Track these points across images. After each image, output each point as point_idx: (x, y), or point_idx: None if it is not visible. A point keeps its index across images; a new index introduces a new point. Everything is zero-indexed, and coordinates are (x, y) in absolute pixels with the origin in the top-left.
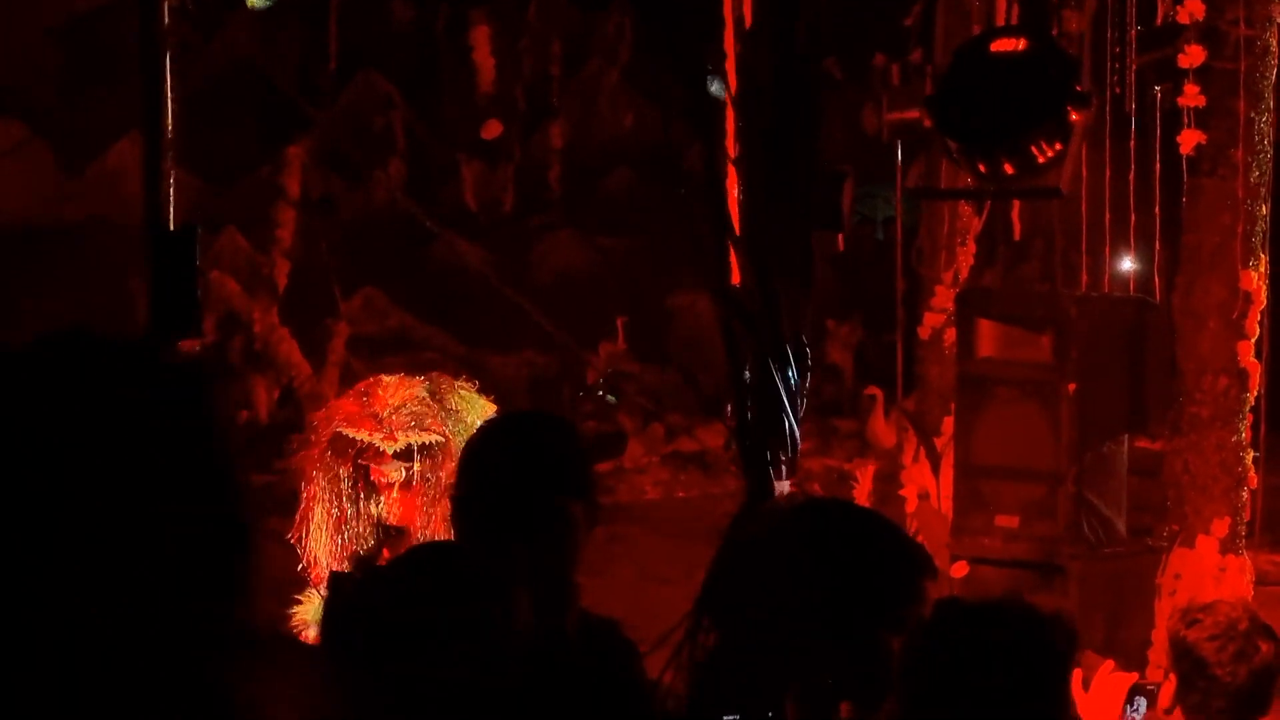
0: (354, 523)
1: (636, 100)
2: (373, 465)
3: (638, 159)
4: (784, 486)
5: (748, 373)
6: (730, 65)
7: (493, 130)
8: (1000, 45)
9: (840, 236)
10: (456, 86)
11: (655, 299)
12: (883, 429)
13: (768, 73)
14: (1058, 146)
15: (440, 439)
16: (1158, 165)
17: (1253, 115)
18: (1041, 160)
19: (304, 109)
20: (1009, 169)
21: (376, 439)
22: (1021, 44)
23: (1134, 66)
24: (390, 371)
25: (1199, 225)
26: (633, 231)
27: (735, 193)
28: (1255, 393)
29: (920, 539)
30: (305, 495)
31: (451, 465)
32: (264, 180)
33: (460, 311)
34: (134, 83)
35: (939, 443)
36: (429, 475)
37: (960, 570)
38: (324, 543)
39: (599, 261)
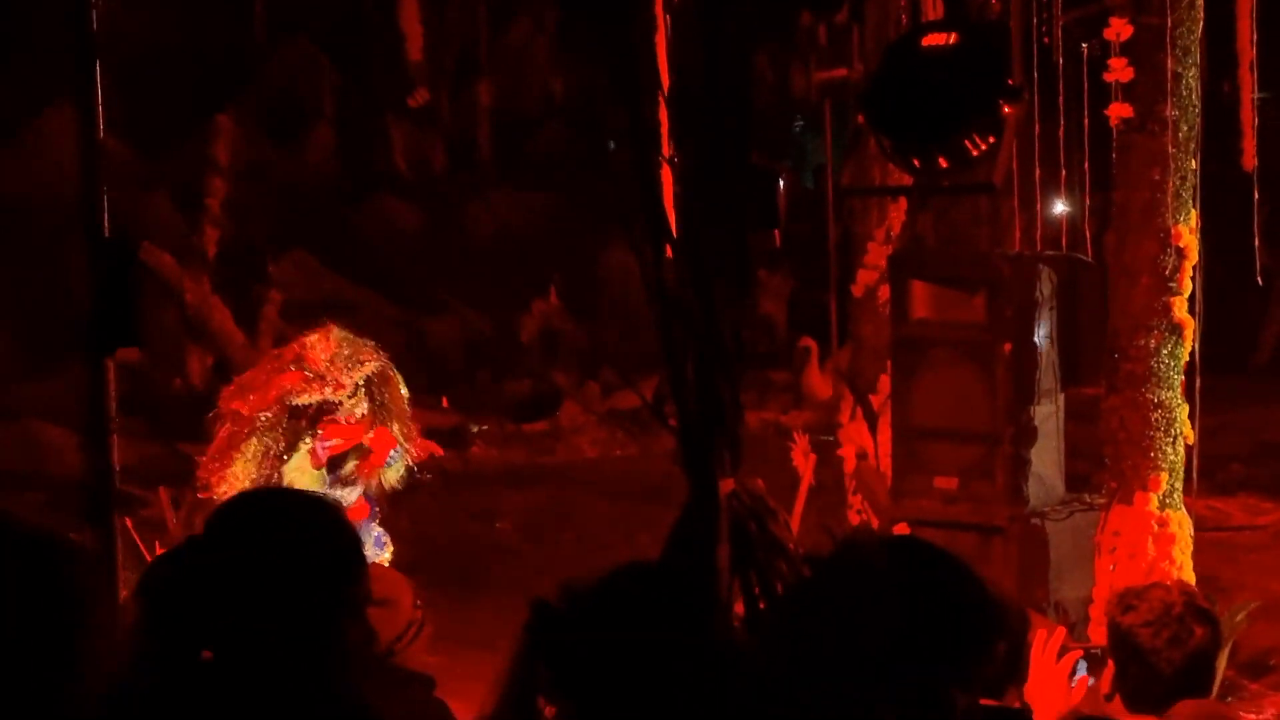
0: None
1: (565, 59)
2: (328, 420)
3: (568, 115)
4: (728, 484)
5: (688, 373)
6: (663, 63)
7: (420, 98)
8: (931, 40)
9: (776, 233)
10: (384, 49)
11: (588, 255)
12: (818, 381)
13: (698, 72)
14: (990, 140)
15: (378, 363)
16: (1086, 121)
17: (1180, 70)
18: (975, 154)
19: (232, 76)
20: (942, 163)
21: (328, 394)
22: (952, 38)
23: (1060, 21)
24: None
25: (1129, 181)
26: (564, 188)
27: (670, 192)
28: (1189, 348)
29: (860, 498)
30: (230, 467)
31: (396, 381)
32: (195, 148)
33: (393, 273)
34: (60, 50)
35: (875, 400)
36: (382, 399)
37: (901, 532)
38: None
39: (530, 219)
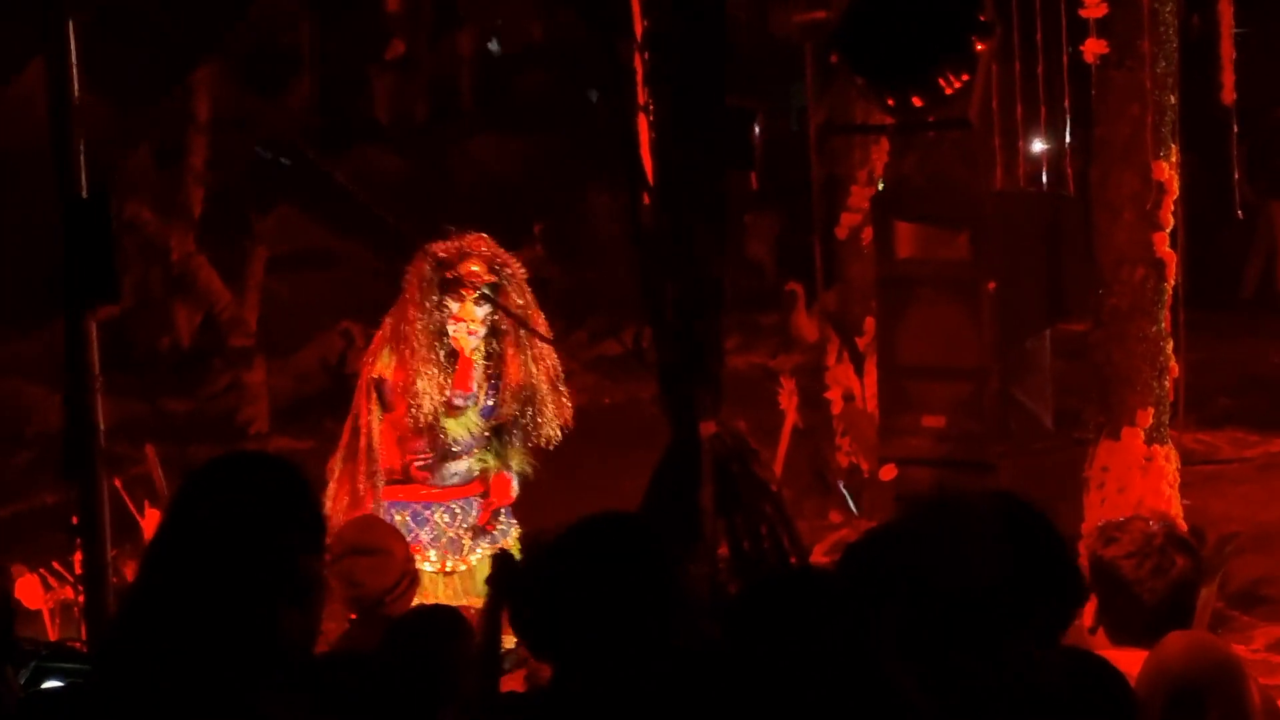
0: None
1: (544, 3)
2: (454, 313)
3: (548, 60)
4: (709, 426)
5: (668, 316)
6: (635, 5)
7: (396, 50)
8: None
9: (753, 174)
10: None
11: (572, 201)
12: (805, 323)
13: (672, 12)
14: (964, 77)
15: (521, 271)
16: (1065, 57)
17: (1156, 6)
18: (949, 91)
19: (210, 28)
20: (917, 101)
21: (471, 267)
22: None
23: None
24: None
25: (1109, 117)
26: (547, 133)
27: (646, 138)
28: (1173, 282)
29: (848, 440)
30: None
31: (528, 292)
32: (174, 103)
33: (378, 223)
34: (34, 10)
35: (861, 342)
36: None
37: (889, 472)
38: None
39: (513, 165)
